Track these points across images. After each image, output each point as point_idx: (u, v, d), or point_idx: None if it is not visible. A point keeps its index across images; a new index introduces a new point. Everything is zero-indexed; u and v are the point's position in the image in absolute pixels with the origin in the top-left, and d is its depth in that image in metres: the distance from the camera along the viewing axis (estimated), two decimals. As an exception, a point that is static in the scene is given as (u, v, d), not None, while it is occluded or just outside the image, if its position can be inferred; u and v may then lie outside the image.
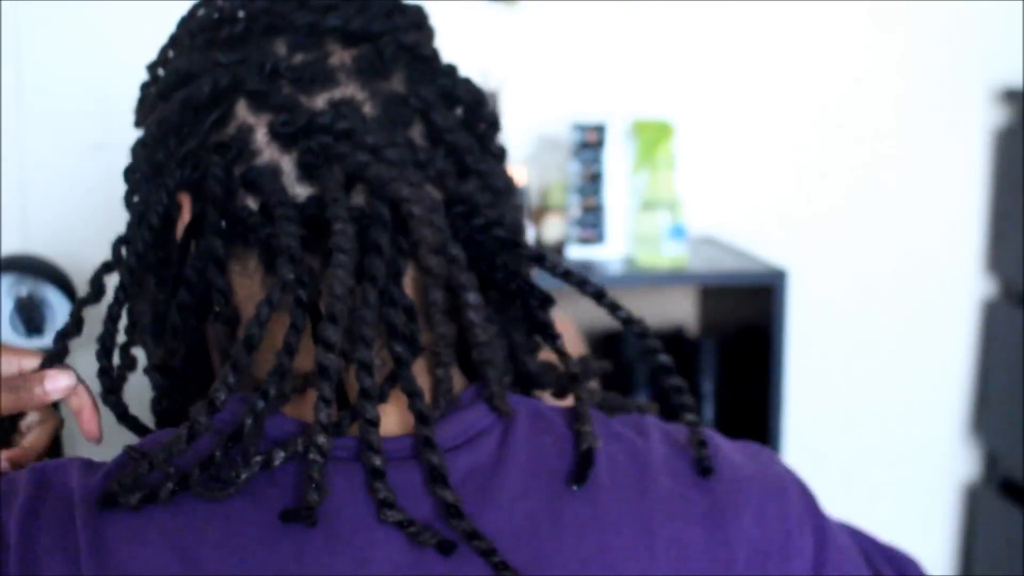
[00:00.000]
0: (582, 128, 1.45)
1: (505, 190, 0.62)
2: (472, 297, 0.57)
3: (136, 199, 0.62)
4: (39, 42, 1.40)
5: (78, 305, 0.63)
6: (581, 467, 0.57)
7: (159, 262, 0.61)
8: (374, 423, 0.54)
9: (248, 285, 0.58)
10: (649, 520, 0.57)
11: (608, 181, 1.46)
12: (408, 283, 0.57)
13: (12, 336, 0.93)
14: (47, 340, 0.95)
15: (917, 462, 1.84)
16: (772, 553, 0.60)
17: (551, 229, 1.52)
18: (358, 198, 0.57)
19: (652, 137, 1.46)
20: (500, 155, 0.64)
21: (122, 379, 0.64)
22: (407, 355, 0.55)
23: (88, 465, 0.56)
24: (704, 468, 0.59)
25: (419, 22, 0.62)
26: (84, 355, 0.68)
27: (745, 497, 0.60)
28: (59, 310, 0.97)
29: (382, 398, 0.56)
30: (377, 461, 0.53)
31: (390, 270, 0.56)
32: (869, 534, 0.69)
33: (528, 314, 0.64)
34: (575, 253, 1.47)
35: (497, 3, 1.57)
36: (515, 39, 1.57)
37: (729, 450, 0.63)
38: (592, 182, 1.46)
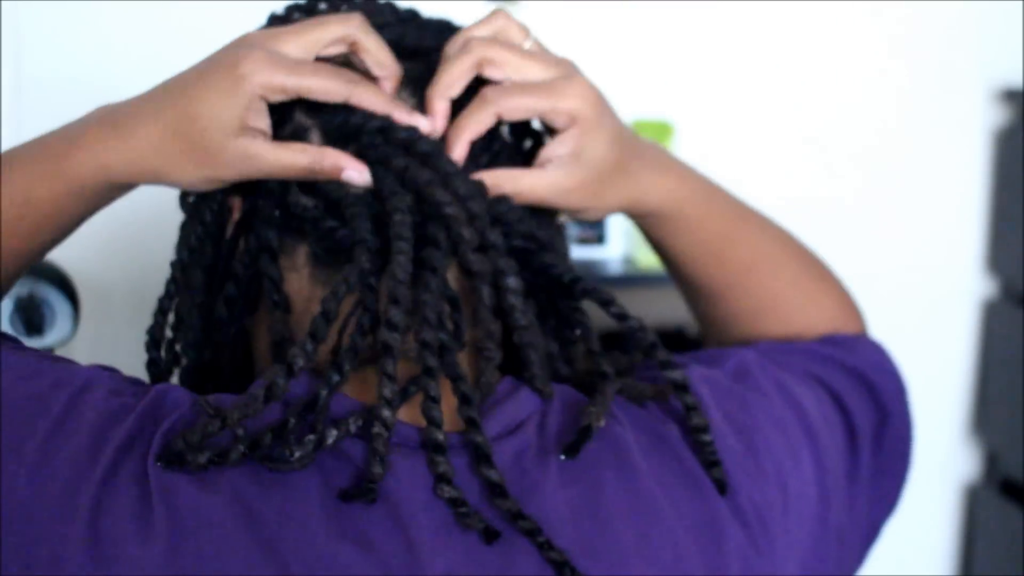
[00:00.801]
0: (582, 128, 1.45)
1: None
2: (512, 281, 0.60)
3: (191, 199, 0.65)
4: (39, 42, 1.40)
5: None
6: (577, 439, 0.57)
7: (210, 259, 0.64)
8: (436, 399, 0.55)
9: (296, 280, 0.61)
10: (679, 501, 0.58)
11: (608, 181, 1.46)
12: (451, 280, 0.60)
13: (12, 336, 0.93)
14: (47, 340, 0.95)
15: (917, 462, 1.83)
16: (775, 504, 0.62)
17: (551, 229, 1.52)
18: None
19: (652, 137, 1.46)
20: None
21: (168, 373, 0.66)
22: (452, 343, 0.57)
23: (195, 404, 0.56)
24: (720, 485, 0.60)
25: None
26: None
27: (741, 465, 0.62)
28: (59, 310, 0.97)
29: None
30: (439, 436, 0.55)
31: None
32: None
33: (563, 314, 0.65)
34: (575, 253, 1.47)
35: (497, 3, 1.57)
36: (515, 39, 1.57)
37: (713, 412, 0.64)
38: (592, 182, 1.46)
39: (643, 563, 0.55)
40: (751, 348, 0.73)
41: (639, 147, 0.71)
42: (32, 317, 0.94)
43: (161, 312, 0.66)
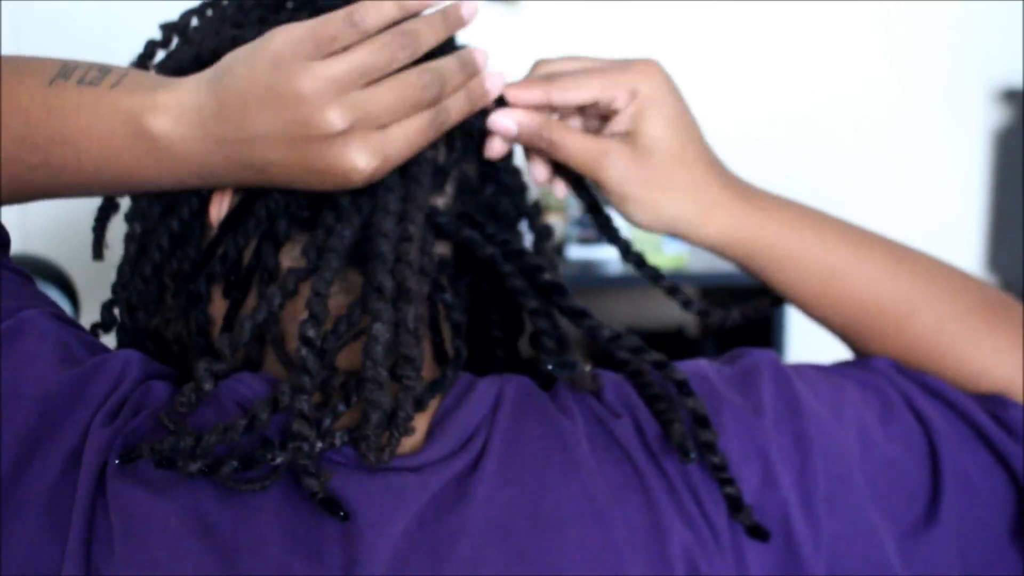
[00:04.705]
0: (582, 128, 1.45)
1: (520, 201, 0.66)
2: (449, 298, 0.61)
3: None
4: (39, 42, 1.40)
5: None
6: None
7: (191, 229, 0.61)
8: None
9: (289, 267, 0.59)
10: (624, 501, 0.55)
11: (608, 181, 1.46)
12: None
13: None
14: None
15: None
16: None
17: (551, 229, 1.52)
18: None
19: (652, 137, 1.46)
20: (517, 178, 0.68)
21: (95, 335, 0.63)
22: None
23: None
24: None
25: None
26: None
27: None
28: (59, 310, 0.97)
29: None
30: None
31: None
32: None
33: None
34: (575, 253, 1.47)
35: (497, 3, 1.57)
36: (515, 39, 1.57)
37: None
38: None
39: (581, 566, 0.53)
40: (818, 366, 0.68)
41: (718, 163, 0.69)
42: (32, 317, 0.94)
43: (142, 279, 0.62)
